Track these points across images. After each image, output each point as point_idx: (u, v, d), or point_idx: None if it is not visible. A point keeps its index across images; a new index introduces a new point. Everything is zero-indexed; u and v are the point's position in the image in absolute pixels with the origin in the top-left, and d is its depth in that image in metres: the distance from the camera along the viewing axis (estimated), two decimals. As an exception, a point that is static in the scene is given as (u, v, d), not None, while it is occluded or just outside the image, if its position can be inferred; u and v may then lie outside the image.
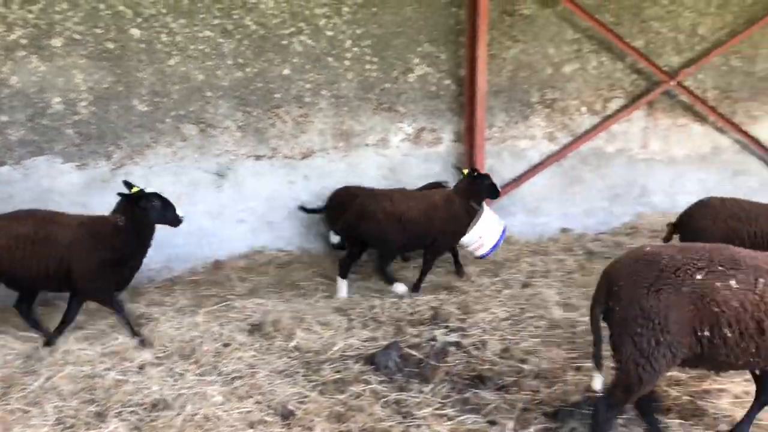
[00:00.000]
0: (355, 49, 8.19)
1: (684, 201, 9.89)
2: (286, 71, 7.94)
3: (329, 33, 8.06)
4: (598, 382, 3.52)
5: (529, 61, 8.98)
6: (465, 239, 6.56)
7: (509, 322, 5.70)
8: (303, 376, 4.67)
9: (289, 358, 4.98)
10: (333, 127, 8.24)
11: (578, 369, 4.65)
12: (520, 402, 4.20)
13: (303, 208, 7.87)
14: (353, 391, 4.40)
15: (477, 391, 4.39)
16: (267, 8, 7.77)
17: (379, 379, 4.58)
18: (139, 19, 7.29)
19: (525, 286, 6.84)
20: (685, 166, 9.95)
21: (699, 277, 3.24)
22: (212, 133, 7.74)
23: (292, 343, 5.19)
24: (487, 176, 7.01)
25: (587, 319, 5.65)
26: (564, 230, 9.24)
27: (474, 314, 5.86)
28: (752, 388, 4.32)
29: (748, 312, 3.18)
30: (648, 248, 3.51)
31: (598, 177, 9.54)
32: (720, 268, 3.27)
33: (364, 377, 4.60)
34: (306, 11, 7.93)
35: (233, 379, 4.60)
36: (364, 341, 5.27)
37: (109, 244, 5.12)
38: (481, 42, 8.30)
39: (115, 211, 5.29)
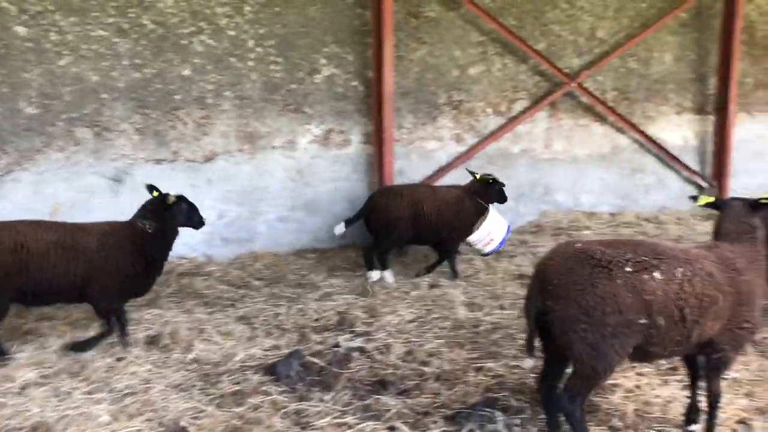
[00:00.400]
0: (259, 49, 8.01)
1: (586, 199, 10.30)
2: (186, 72, 7.69)
3: (231, 33, 7.85)
4: (528, 363, 3.72)
5: (436, 63, 9.05)
6: (474, 237, 7.10)
7: (415, 324, 5.71)
8: (200, 389, 4.50)
9: (187, 371, 4.79)
10: (237, 129, 8.04)
11: (479, 370, 4.69)
12: (420, 406, 4.18)
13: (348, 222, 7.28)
14: (252, 403, 4.26)
15: (378, 396, 4.35)
16: (165, 7, 7.49)
17: (279, 389, 4.46)
18: (25, 17, 6.89)
19: (433, 286, 6.87)
20: (586, 165, 10.29)
21: (629, 269, 3.34)
22: (108, 137, 7.40)
23: (191, 356, 5.00)
24: (499, 182, 7.46)
25: (491, 318, 5.81)
26: (473, 229, 9.37)
27: (381, 317, 5.84)
28: (644, 380, 4.48)
29: (672, 300, 3.33)
30: (578, 244, 3.55)
31: (504, 177, 9.52)
32: (644, 259, 3.38)
33: (264, 388, 4.47)
34: (206, 10, 7.70)
35: (124, 396, 4.37)
36: (267, 350, 5.14)
37: (139, 251, 4.99)
38: (386, 44, 8.30)
39: (140, 217, 5.11)
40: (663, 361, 4.58)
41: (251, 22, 7.93)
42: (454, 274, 7.09)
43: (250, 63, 7.99)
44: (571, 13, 9.87)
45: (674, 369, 4.65)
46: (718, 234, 3.80)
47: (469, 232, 7.11)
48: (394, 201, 6.93)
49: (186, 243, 7.73)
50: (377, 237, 7.06)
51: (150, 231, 5.05)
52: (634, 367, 4.65)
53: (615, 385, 4.40)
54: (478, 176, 7.46)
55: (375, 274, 6.90)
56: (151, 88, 7.52)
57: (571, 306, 3.32)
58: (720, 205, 3.90)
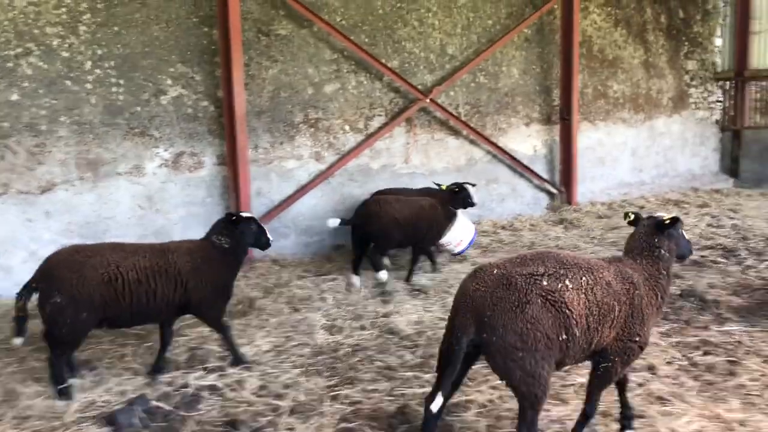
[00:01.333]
0: (98, 70, 7.55)
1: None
2: (14, 97, 7.08)
3: (65, 54, 7.34)
4: (437, 403, 3.44)
5: (290, 81, 8.93)
6: (445, 239, 7.81)
7: (272, 354, 5.51)
8: (29, 450, 4.07)
9: (15, 429, 4.32)
10: (77, 156, 7.51)
11: (335, 398, 4.57)
12: (272, 444, 4.01)
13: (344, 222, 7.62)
14: (88, 459, 3.91)
15: (229, 438, 4.13)
16: (-15, 26, 6.88)
17: (120, 440, 4.13)
18: None
19: (295, 310, 6.71)
20: (444, 177, 10.52)
21: (545, 283, 3.37)
22: (-77, 171, 6.67)
23: (14, 411, 4.52)
24: (465, 190, 8.42)
25: (351, 340, 5.73)
26: (338, 247, 9.30)
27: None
28: (496, 394, 4.56)
29: (583, 310, 3.39)
30: (495, 270, 3.48)
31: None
32: (556, 271, 3.44)
33: (103, 441, 4.12)
34: (35, 30, 7.15)
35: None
36: (110, 397, 4.75)
37: (221, 267, 5.15)
38: (235, 62, 8.08)
39: (216, 234, 5.22)
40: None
41: (87, 42, 7.45)
42: (434, 266, 7.94)
43: (88, 86, 7.50)
44: (421, 31, 10.09)
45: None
46: (625, 250, 3.91)
47: (441, 235, 7.79)
48: (388, 208, 7.46)
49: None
50: (375, 241, 7.47)
51: (226, 246, 5.19)
52: (488, 380, 4.73)
53: (469, 401, 4.44)
54: (443, 187, 8.46)
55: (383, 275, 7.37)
56: (-27, 115, 6.87)
57: (509, 334, 3.29)
58: (634, 222, 4.00)
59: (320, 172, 9.30)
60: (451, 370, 3.40)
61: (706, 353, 5.06)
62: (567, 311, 3.36)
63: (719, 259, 7.90)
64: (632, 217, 4.03)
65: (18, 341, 4.66)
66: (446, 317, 6.09)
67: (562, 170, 11.72)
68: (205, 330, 6.11)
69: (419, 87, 10.01)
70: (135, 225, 7.88)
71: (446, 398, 3.62)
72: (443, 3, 10.32)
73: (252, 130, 8.61)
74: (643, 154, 13.79)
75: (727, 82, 15.39)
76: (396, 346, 5.56)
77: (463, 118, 10.60)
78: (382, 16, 9.70)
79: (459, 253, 8.17)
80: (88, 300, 4.54)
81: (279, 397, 4.64)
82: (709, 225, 10.05)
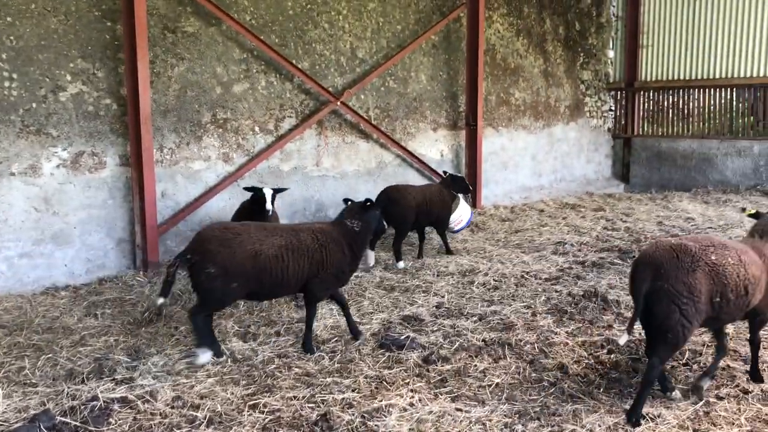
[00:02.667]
0: (-12, 63, 7.03)
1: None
2: None
3: (-50, 44, 6.79)
4: (624, 339, 4.32)
5: (197, 80, 8.67)
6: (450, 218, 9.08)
7: (185, 362, 5.32)
8: None
9: None
10: (-36, 155, 6.97)
11: (254, 407, 4.48)
12: (191, 457, 3.88)
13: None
14: (-13, 483, 3.63)
15: (144, 452, 3.95)
16: None
17: (23, 461, 3.86)
18: None
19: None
20: (355, 180, 10.57)
21: (713, 257, 4.22)
22: None
23: None
24: (462, 177, 9.45)
25: (267, 347, 5.62)
26: (246, 251, 9.11)
27: (146, 359, 5.36)
28: (417, 397, 4.60)
29: (738, 280, 4.27)
30: (672, 240, 4.40)
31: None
32: (720, 249, 4.30)
33: (3, 463, 3.84)
34: None
35: None
36: (9, 414, 4.43)
37: (351, 248, 5.52)
38: (141, 59, 7.75)
39: (347, 217, 5.61)
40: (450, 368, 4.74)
41: (-24, 32, 6.93)
42: (447, 250, 9.03)
43: (-23, 79, 6.98)
44: (332, 33, 10.07)
45: (443, 381, 4.86)
46: (754, 233, 4.84)
47: (450, 215, 9.05)
48: (406, 196, 8.41)
49: None
50: (395, 225, 8.37)
51: (357, 230, 5.56)
52: (407, 383, 4.78)
53: (391, 405, 4.47)
54: (446, 174, 9.50)
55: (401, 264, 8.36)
56: None
57: (679, 284, 4.12)
58: (756, 215, 5.08)
59: (229, 174, 9.09)
60: (636, 312, 4.24)
61: (610, 352, 5.32)
62: (725, 281, 4.20)
63: (616, 261, 8.35)
64: (753, 211, 5.20)
65: (161, 301, 5.22)
66: (362, 321, 6.14)
67: (467, 174, 12.01)
68: (111, 338, 5.85)
69: (330, 89, 9.98)
70: (30, 228, 7.40)
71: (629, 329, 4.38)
72: (353, 6, 10.35)
73: (157, 130, 8.30)
74: (542, 159, 14.38)
75: (619, 92, 16.32)
76: (313, 352, 5.51)
77: (373, 122, 10.66)
78: (293, 16, 9.61)
79: (458, 231, 9.49)
80: (237, 272, 5.04)
81: (195, 407, 4.48)
82: (605, 228, 10.61)
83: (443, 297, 6.92)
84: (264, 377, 4.99)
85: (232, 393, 4.71)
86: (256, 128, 9.35)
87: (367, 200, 5.80)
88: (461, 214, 9.26)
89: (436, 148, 11.92)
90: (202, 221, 8.79)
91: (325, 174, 10.21)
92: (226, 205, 9.05)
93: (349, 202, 5.92)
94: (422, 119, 11.60)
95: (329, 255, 5.37)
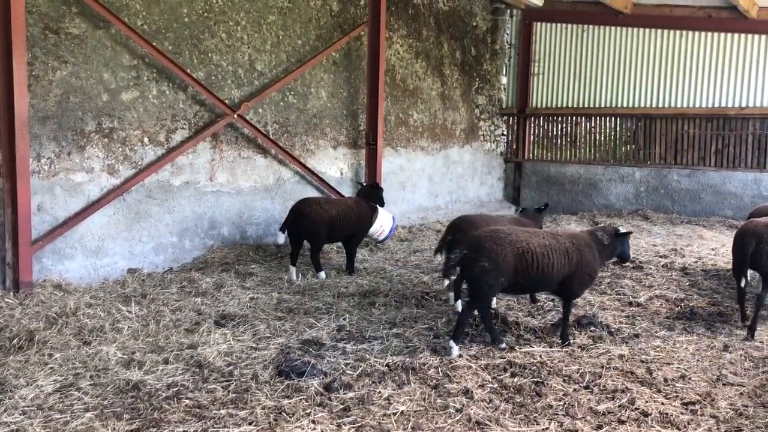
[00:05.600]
0: None
1: (252, 231, 10.19)
2: None
3: None
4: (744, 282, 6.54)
5: (82, 85, 8.04)
6: (371, 229, 9.20)
7: (59, 395, 4.79)
8: None
9: None
10: None
11: (140, 445, 4.06)
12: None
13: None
14: None
15: (7, 503, 3.46)
16: None
17: None
18: None
19: (85, 343, 5.94)
20: (251, 196, 10.18)
21: None
22: None
23: None
24: (381, 188, 9.98)
25: (154, 376, 5.17)
26: (131, 271, 8.51)
27: (12, 392, 4.78)
28: (319, 428, 4.34)
29: None
30: (763, 220, 6.50)
31: (166, 211, 9.07)
32: None
33: None
34: None
35: None
36: None
37: (597, 258, 6.13)
38: (17, 61, 7.06)
39: (599, 230, 6.36)
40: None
41: None
42: (350, 270, 8.87)
43: None
44: (229, 44, 9.71)
45: (346, 410, 4.62)
46: None
47: (368, 228, 9.16)
48: (317, 209, 8.39)
49: None
50: (309, 239, 8.56)
51: (606, 243, 6.20)
52: (307, 413, 4.51)
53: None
54: (363, 184, 10.21)
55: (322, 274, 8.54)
56: None
57: None
58: None
59: (114, 187, 8.46)
60: (744, 279, 6.53)
61: (513, 375, 5.29)
62: None
63: (513, 282, 8.44)
64: None
65: (446, 283, 7.00)
66: (258, 346, 5.80)
67: (367, 194, 11.88)
68: (-28, 370, 5.19)
69: (227, 101, 9.59)
70: None
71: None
72: (253, 18, 10.03)
73: (35, 138, 7.59)
74: (438, 180, 14.54)
75: (511, 118, 16.85)
76: (205, 380, 5.12)
77: (271, 137, 10.34)
78: (188, 24, 9.16)
79: (383, 241, 9.76)
80: (507, 267, 5.68)
81: (70, 447, 4.01)
82: (500, 249, 10.76)
83: (344, 319, 6.69)
84: (150, 410, 4.56)
85: (114, 429, 4.26)
86: (146, 139, 8.79)
87: (619, 229, 6.43)
88: (382, 224, 9.32)
89: (336, 165, 11.74)
90: (82, 238, 8.13)
91: (220, 189, 9.76)
92: (110, 220, 8.42)
93: (600, 225, 7.11)
94: (322, 136, 11.40)
95: (585, 260, 5.98)
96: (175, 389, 4.92)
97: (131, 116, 8.59)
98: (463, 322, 5.83)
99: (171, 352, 5.68)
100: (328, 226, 8.40)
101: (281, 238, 8.50)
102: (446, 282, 7.22)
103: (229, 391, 4.89)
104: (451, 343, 5.71)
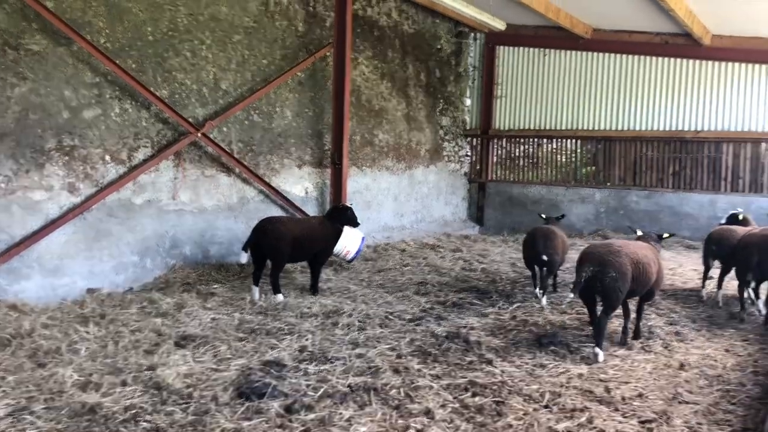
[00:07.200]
0: None
1: (214, 250, 10.11)
2: None
3: None
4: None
5: (42, 102, 7.94)
6: (335, 249, 9.11)
7: (11, 419, 4.66)
8: None
9: None
10: None
11: (94, 470, 3.98)
12: None
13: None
14: None
15: None
16: None
17: None
18: None
19: (40, 366, 5.80)
20: (214, 215, 10.11)
21: None
22: None
23: None
24: (348, 209, 9.36)
25: (112, 398, 5.08)
26: (91, 290, 8.36)
27: (-38, 417, 4.64)
28: None
29: None
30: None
31: (127, 230, 8.95)
32: None
33: None
34: None
35: None
36: None
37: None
38: (-25, 76, 6.97)
39: (656, 237, 7.36)
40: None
41: None
42: (314, 290, 8.79)
43: None
44: (194, 62, 9.69)
45: None
46: None
47: (332, 249, 9.08)
48: (280, 228, 8.31)
49: None
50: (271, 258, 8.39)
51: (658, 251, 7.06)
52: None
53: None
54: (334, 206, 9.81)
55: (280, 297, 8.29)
56: None
57: None
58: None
59: (74, 206, 8.33)
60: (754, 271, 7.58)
61: (474, 394, 5.32)
62: None
63: (475, 301, 8.52)
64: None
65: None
66: (219, 368, 5.75)
67: (331, 213, 11.89)
68: None
69: (190, 120, 9.54)
70: None
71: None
72: (218, 37, 10.03)
73: (-9, 155, 7.47)
74: (404, 200, 14.63)
75: (475, 139, 17.07)
76: (164, 403, 5.04)
77: (236, 156, 10.30)
78: (152, 42, 9.13)
79: (351, 260, 9.59)
80: (629, 275, 6.30)
81: (22, 474, 3.91)
82: (463, 269, 10.87)
83: (307, 340, 6.66)
84: (108, 434, 4.47)
85: (68, 454, 4.17)
86: (107, 157, 8.69)
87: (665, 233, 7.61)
88: (346, 244, 9.17)
89: (301, 185, 11.74)
90: (40, 257, 7.97)
91: (183, 208, 9.68)
92: (69, 239, 8.28)
93: (637, 230, 7.76)
94: (287, 155, 11.40)
95: (659, 266, 6.76)
96: (132, 412, 4.83)
97: (93, 134, 8.49)
98: (603, 329, 6.38)
99: (129, 374, 5.58)
100: (290, 246, 8.28)
101: (244, 257, 8.35)
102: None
103: (188, 414, 4.82)
104: (597, 349, 6.21)
